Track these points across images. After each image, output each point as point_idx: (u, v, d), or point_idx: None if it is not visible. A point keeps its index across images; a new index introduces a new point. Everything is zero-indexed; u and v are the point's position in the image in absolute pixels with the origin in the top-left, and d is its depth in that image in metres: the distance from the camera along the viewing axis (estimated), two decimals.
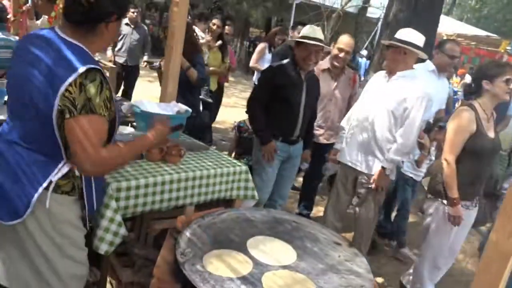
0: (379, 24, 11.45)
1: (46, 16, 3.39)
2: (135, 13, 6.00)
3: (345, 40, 3.44)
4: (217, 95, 5.38)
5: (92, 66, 1.44)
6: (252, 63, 5.93)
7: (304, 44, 2.80)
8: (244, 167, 2.37)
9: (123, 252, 2.12)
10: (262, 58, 5.75)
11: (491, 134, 2.45)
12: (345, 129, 3.00)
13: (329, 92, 3.51)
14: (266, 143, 2.91)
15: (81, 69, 1.42)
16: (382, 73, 2.90)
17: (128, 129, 2.57)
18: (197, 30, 4.98)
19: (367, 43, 14.01)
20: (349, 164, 2.89)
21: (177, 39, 2.77)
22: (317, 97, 3.17)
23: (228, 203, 2.35)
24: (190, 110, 2.67)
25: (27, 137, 1.53)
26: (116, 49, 5.99)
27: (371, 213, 2.90)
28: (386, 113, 2.71)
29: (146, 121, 2.49)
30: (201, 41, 4.85)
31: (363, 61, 11.92)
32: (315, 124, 3.38)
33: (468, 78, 7.63)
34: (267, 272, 1.38)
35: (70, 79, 1.41)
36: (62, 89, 1.41)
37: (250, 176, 2.40)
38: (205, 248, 1.46)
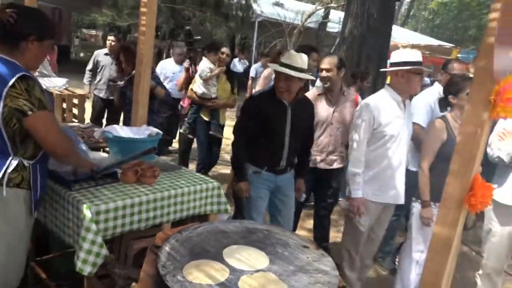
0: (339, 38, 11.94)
1: None
2: (113, 42, 5.56)
3: (323, 61, 3.33)
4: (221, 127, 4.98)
5: (26, 73, 1.76)
6: (258, 88, 5.92)
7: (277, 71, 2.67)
8: (216, 183, 2.50)
9: (104, 274, 2.19)
10: (268, 84, 5.77)
11: None
12: (359, 174, 2.78)
13: (328, 117, 3.32)
14: (239, 181, 2.82)
15: (18, 75, 1.72)
16: (387, 98, 2.78)
17: (101, 154, 2.65)
18: (207, 61, 4.72)
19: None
20: (394, 202, 2.90)
21: (145, 65, 2.90)
22: (308, 123, 2.99)
23: (202, 218, 2.45)
24: (161, 132, 2.78)
25: None
26: (95, 81, 5.68)
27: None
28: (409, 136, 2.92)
29: (119, 146, 2.59)
30: (211, 73, 4.61)
31: None
32: (315, 150, 3.28)
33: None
34: (243, 276, 1.52)
35: (10, 84, 1.70)
36: (5, 93, 1.70)
37: (222, 191, 2.52)
38: (184, 260, 1.57)
